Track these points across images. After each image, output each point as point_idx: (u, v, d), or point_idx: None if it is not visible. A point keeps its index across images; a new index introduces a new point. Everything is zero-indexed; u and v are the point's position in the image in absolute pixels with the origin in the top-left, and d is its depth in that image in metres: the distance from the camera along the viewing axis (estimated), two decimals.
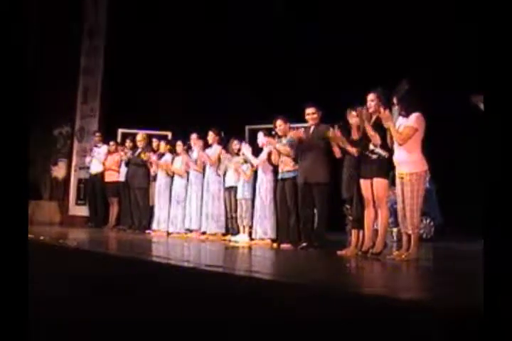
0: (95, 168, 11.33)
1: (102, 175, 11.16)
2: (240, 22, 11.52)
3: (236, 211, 8.49)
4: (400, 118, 5.78)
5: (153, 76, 11.66)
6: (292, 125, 7.79)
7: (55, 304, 4.78)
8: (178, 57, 11.94)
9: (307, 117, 7.22)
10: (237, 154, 8.62)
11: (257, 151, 8.32)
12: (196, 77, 11.82)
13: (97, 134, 11.67)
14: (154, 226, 9.80)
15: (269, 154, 7.92)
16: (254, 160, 8.19)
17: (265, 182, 8.01)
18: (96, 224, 11.13)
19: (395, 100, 5.77)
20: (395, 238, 9.07)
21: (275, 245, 7.60)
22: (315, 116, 7.19)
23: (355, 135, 6.24)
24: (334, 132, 6.55)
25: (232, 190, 8.66)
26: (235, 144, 8.74)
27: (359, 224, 6.35)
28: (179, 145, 9.60)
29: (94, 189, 11.35)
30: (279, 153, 7.57)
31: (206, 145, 9.25)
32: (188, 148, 9.57)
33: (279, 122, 7.66)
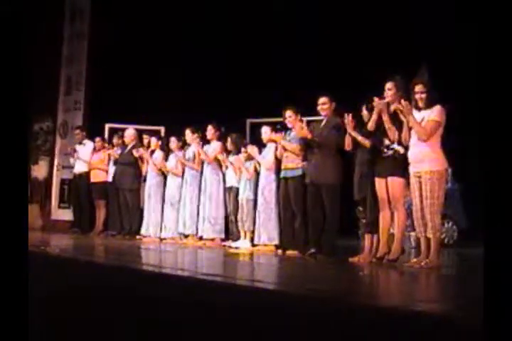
0: (80, 167, 11.30)
1: (87, 174, 11.14)
2: (240, 12, 11.51)
3: (237, 213, 8.50)
4: (415, 111, 5.76)
5: (144, 64, 11.64)
6: (303, 118, 7.74)
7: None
8: (172, 43, 11.90)
9: (318, 108, 7.17)
10: (238, 151, 8.63)
11: (260, 148, 8.31)
12: (192, 66, 11.79)
13: (77, 131, 11.65)
14: (143, 231, 9.83)
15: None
16: (265, 163, 8.12)
17: (270, 182, 8.01)
18: (81, 230, 11.12)
19: (419, 88, 5.72)
20: (413, 243, 9.08)
21: (280, 251, 7.61)
22: (326, 106, 7.11)
23: (371, 126, 6.20)
24: (348, 119, 6.53)
25: (232, 190, 8.68)
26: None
27: (373, 227, 6.35)
28: (173, 142, 9.62)
29: (79, 190, 11.34)
30: (285, 149, 7.56)
31: (204, 142, 9.26)
32: (183, 145, 9.59)
33: (288, 113, 7.60)
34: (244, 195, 8.38)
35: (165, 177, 9.81)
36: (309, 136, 7.06)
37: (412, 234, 8.91)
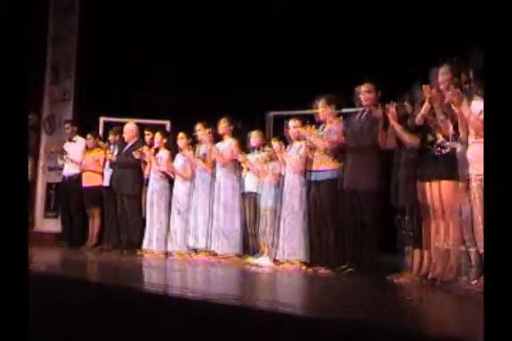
0: (69, 168, 11.36)
1: (78, 177, 11.19)
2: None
3: (256, 225, 8.49)
4: (475, 101, 5.70)
5: (146, 45, 11.64)
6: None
7: None
8: (179, 19, 11.86)
9: (360, 97, 7.18)
10: (258, 149, 8.63)
11: (285, 145, 8.30)
12: (203, 48, 11.77)
13: (66, 126, 11.69)
14: (145, 244, 9.84)
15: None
16: (291, 164, 8.08)
17: (297, 187, 8.00)
18: (71, 243, 11.17)
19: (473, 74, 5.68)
20: (472, 261, 8.99)
21: (309, 269, 7.61)
22: (368, 95, 7.12)
23: (420, 120, 6.16)
24: (379, 110, 6.53)
25: (251, 197, 8.67)
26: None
27: (419, 241, 6.32)
28: (181, 139, 9.62)
29: (69, 196, 11.40)
30: (314, 148, 7.56)
31: (217, 138, 9.25)
32: (193, 142, 9.59)
33: (320, 104, 7.65)
34: (267, 202, 8.36)
35: (171, 181, 9.81)
36: (339, 140, 7.13)
37: (471, 249, 8.82)
